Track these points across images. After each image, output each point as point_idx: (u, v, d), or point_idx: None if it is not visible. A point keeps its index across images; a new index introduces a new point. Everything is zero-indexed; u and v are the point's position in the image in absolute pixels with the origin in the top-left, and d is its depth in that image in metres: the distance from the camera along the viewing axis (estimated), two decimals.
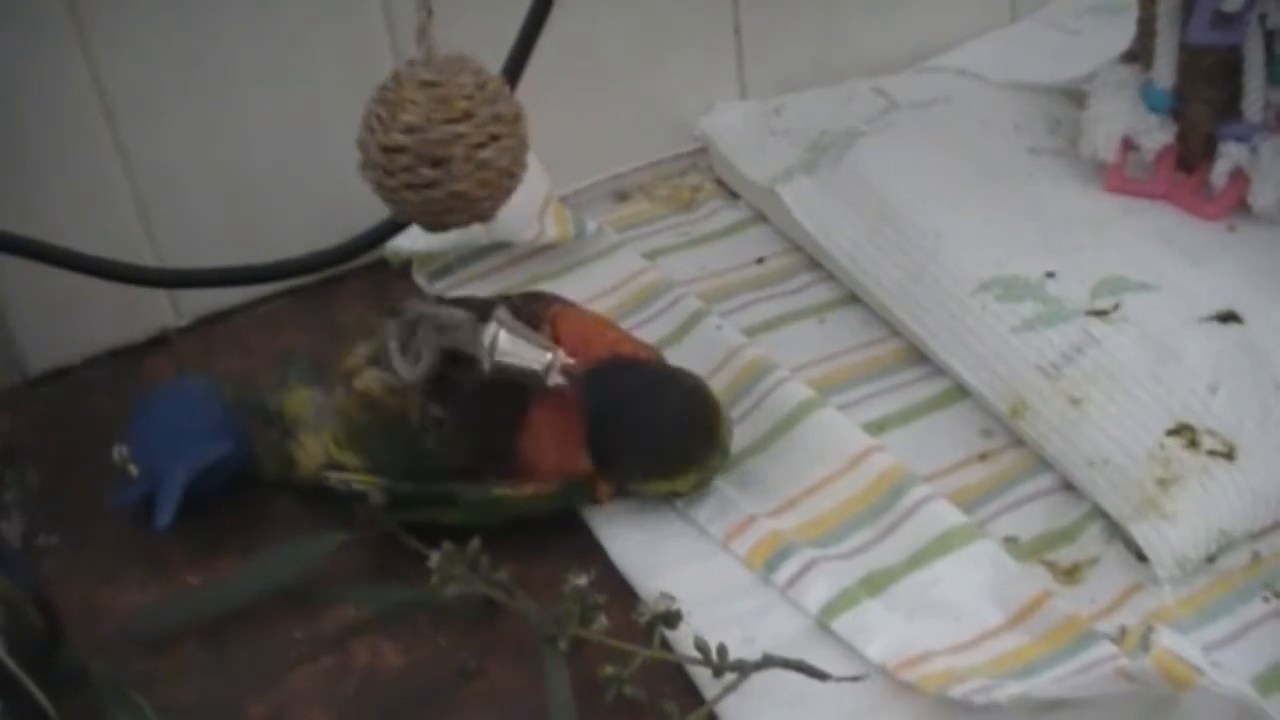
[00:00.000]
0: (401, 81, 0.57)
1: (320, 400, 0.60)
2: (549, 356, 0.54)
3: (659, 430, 0.55)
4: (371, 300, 0.74)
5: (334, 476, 0.57)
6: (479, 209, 0.58)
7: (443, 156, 0.56)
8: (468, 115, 0.57)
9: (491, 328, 0.55)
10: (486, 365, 0.54)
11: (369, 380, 0.57)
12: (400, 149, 0.56)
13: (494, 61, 0.70)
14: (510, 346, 0.55)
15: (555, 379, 0.54)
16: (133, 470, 0.59)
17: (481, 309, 0.57)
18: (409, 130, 0.56)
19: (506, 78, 0.70)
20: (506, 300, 0.61)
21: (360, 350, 0.60)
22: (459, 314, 0.56)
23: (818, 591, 0.52)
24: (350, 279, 0.75)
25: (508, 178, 0.59)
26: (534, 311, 0.59)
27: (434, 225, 0.59)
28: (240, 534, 0.59)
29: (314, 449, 0.58)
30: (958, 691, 0.47)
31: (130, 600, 0.57)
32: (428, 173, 0.57)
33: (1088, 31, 0.89)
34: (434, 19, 0.57)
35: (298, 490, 0.60)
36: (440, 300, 0.60)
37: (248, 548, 0.58)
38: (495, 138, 0.57)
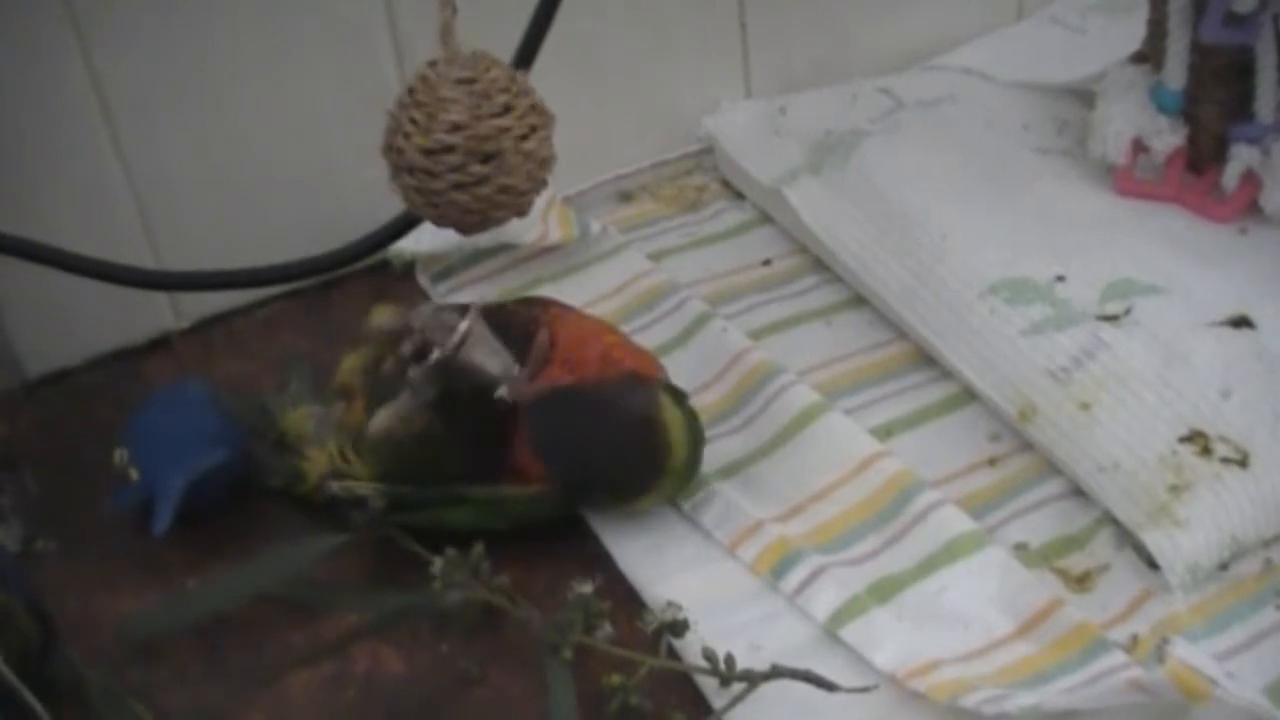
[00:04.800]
0: (433, 82, 0.56)
1: (319, 414, 0.60)
2: (512, 370, 0.54)
3: (602, 463, 0.54)
4: (371, 302, 0.73)
5: (337, 484, 0.56)
6: (522, 203, 0.58)
7: (493, 151, 0.56)
8: (508, 109, 0.56)
9: (465, 323, 0.54)
10: (447, 351, 0.54)
11: (387, 422, 0.56)
12: (447, 148, 0.56)
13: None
14: (477, 350, 0.54)
15: (502, 393, 0.54)
16: (133, 474, 0.58)
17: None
18: (455, 128, 0.55)
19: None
20: (501, 306, 0.60)
21: (351, 362, 0.60)
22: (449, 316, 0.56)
23: (825, 599, 0.52)
24: (350, 281, 0.75)
25: (546, 168, 0.58)
26: (532, 316, 0.58)
27: (477, 225, 0.58)
28: (239, 539, 0.59)
29: (319, 461, 0.58)
30: (968, 702, 0.47)
31: (128, 606, 0.56)
32: (478, 169, 0.56)
33: (1094, 30, 0.88)
34: (457, 17, 0.57)
35: (298, 499, 0.59)
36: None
37: (247, 553, 0.58)
38: (535, 129, 0.57)
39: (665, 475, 0.54)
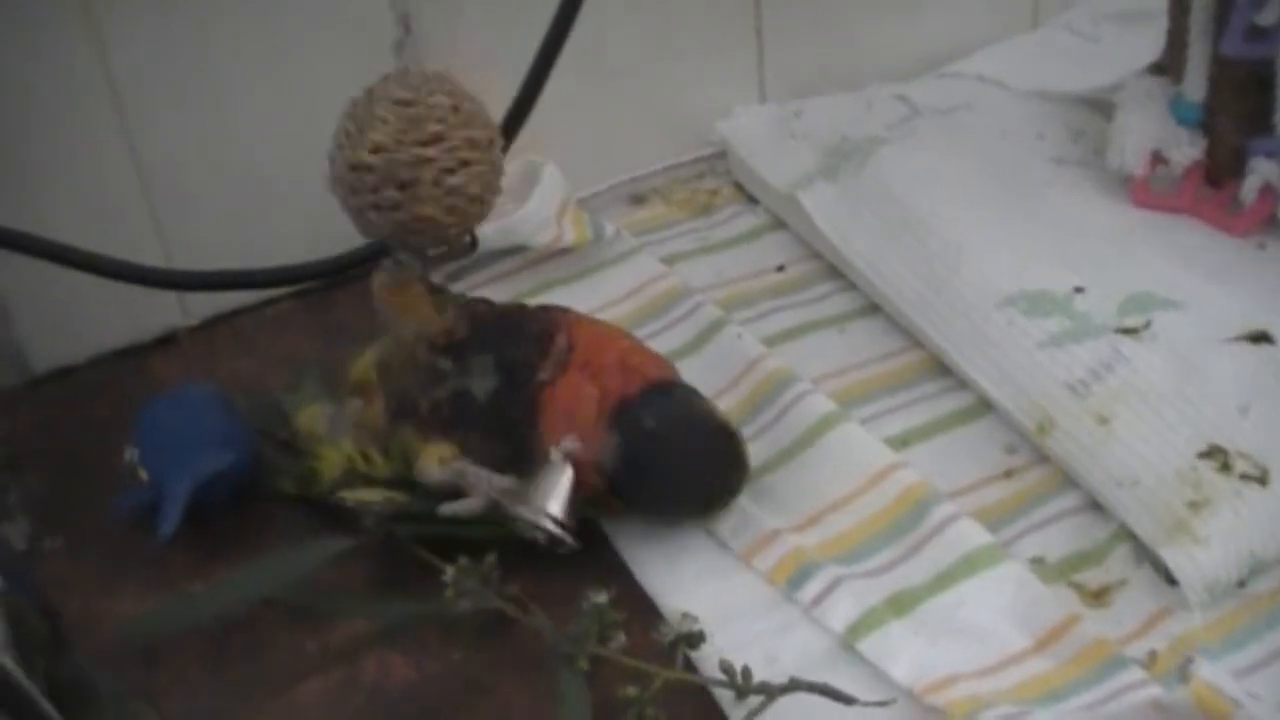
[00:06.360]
0: (374, 98, 0.55)
1: (332, 412, 0.59)
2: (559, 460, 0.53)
3: (697, 485, 0.55)
4: None
5: (349, 496, 0.56)
6: (444, 234, 0.57)
7: (409, 180, 0.55)
8: (438, 139, 0.55)
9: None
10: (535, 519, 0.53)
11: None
12: (367, 168, 0.55)
13: (516, 66, 0.69)
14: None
15: (564, 454, 0.53)
16: (143, 474, 0.58)
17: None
18: (377, 150, 0.54)
19: (531, 82, 0.69)
20: (520, 308, 0.60)
21: (369, 358, 0.59)
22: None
23: (842, 611, 0.51)
24: (357, 280, 0.74)
25: (478, 204, 0.57)
26: (550, 318, 0.58)
27: (399, 247, 0.58)
28: (247, 541, 0.58)
29: (333, 460, 0.57)
30: (985, 719, 0.46)
31: (131, 607, 0.56)
32: (393, 194, 0.55)
33: (1108, 39, 0.87)
34: (412, 36, 0.56)
35: (308, 501, 0.59)
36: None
37: (253, 554, 0.57)
38: (466, 163, 0.55)
39: (748, 472, 0.55)
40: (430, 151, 0.54)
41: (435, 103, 0.55)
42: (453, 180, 0.55)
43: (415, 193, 0.55)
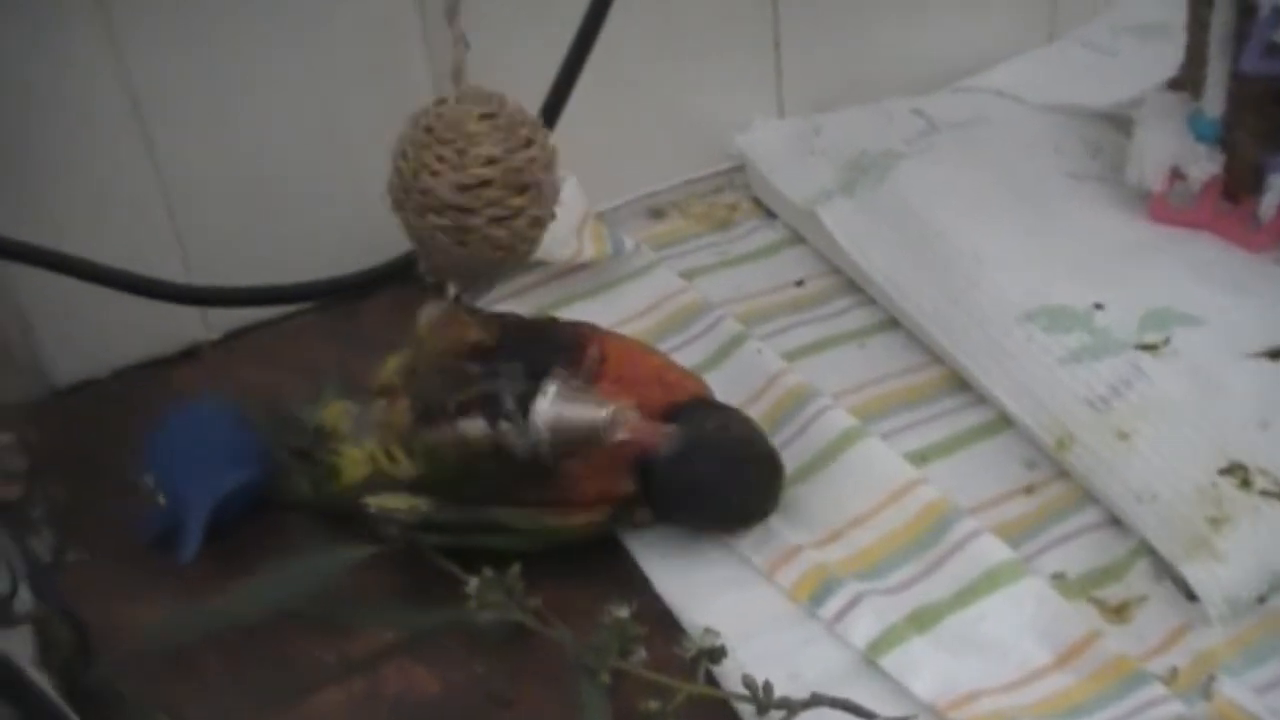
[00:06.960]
0: (453, 118, 0.56)
1: (356, 411, 0.59)
2: (604, 412, 0.53)
3: (732, 501, 0.56)
4: (399, 315, 0.73)
5: (373, 502, 0.56)
6: (539, 235, 0.58)
7: (527, 183, 0.55)
8: (529, 141, 0.56)
9: (538, 403, 0.53)
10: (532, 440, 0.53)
11: (474, 430, 0.55)
12: (484, 183, 0.55)
13: (535, 84, 0.69)
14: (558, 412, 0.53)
15: (620, 434, 0.53)
16: (162, 500, 0.58)
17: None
18: (490, 162, 0.55)
19: (554, 96, 0.69)
20: (551, 320, 0.60)
21: (394, 363, 0.60)
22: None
23: (865, 627, 0.51)
24: (379, 293, 0.74)
25: (558, 199, 0.58)
26: (580, 330, 0.58)
27: (494, 264, 0.58)
28: (268, 552, 0.58)
29: (356, 458, 0.58)
30: None
31: (151, 617, 0.56)
32: (516, 201, 0.55)
33: (1125, 52, 0.88)
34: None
35: (328, 510, 0.59)
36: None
37: (274, 563, 0.57)
38: (552, 159, 0.57)
39: (780, 494, 0.56)
40: (533, 152, 0.55)
41: (512, 110, 0.56)
42: (551, 176, 0.55)
43: (535, 194, 0.55)
